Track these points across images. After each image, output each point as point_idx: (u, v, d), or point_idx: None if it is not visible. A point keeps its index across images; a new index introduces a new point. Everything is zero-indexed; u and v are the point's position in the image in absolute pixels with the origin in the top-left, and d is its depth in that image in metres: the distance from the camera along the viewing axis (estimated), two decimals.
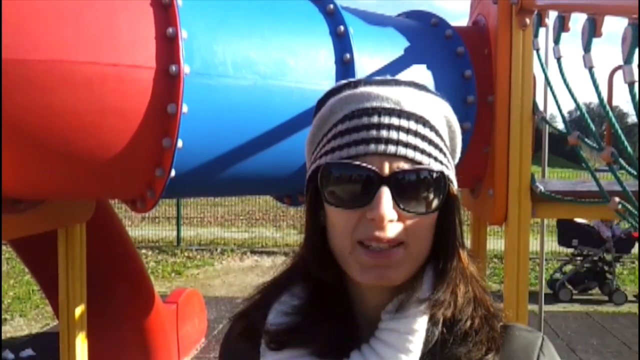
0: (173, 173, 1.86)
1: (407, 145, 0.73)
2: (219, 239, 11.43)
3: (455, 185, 0.80)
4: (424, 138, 0.75)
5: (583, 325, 6.48)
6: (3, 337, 6.13)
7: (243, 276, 8.88)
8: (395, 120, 0.74)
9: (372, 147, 0.73)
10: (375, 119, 0.74)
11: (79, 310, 2.57)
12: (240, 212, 13.86)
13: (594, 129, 1.92)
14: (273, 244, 11.01)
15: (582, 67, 1.72)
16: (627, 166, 1.78)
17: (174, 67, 1.77)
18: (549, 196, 2.32)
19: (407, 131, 0.74)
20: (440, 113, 0.80)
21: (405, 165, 0.73)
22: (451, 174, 0.79)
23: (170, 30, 1.78)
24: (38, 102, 1.68)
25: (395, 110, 0.75)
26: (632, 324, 6.34)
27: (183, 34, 1.80)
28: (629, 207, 1.78)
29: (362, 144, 0.73)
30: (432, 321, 0.77)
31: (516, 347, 0.80)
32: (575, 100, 2.06)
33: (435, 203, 0.75)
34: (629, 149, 1.61)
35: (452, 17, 2.64)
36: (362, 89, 0.78)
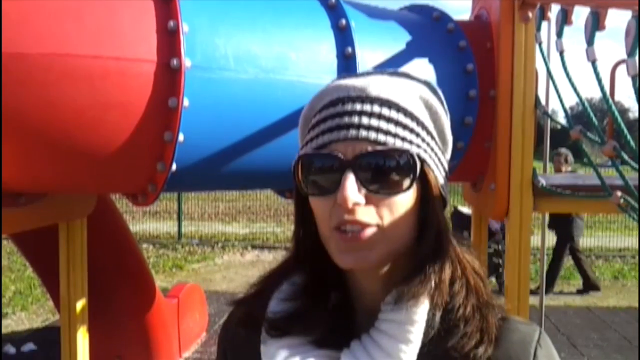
0: (174, 167, 1.86)
1: (369, 128, 0.74)
2: (220, 233, 11.44)
3: (434, 166, 0.79)
4: (389, 120, 0.75)
5: (584, 319, 6.49)
6: (4, 331, 6.15)
7: (244, 271, 8.89)
8: (358, 106, 0.75)
9: (335, 134, 0.75)
10: (339, 108, 0.76)
11: (80, 304, 2.57)
12: (241, 207, 13.87)
13: (596, 122, 1.91)
14: (274, 239, 11.01)
15: (584, 63, 1.71)
16: (629, 160, 1.77)
17: (175, 61, 1.76)
18: (550, 190, 2.32)
19: (370, 115, 0.75)
20: (414, 95, 0.80)
21: (369, 148, 0.74)
22: (428, 155, 0.78)
23: (171, 23, 1.78)
24: (40, 96, 1.68)
25: (359, 97, 0.76)
26: (632, 318, 6.34)
27: (184, 27, 1.80)
28: (631, 201, 1.77)
29: (328, 132, 0.75)
30: (432, 311, 0.77)
31: (514, 340, 0.79)
32: (577, 94, 2.05)
33: (405, 183, 0.75)
34: (632, 142, 1.61)
35: (453, 12, 2.63)
36: (335, 83, 0.80)
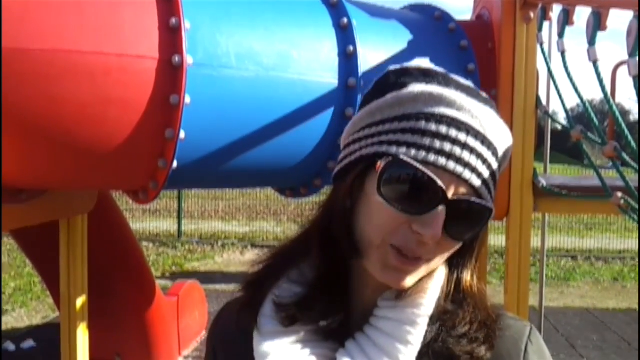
0: (175, 164, 1.86)
1: (474, 170, 0.73)
2: (220, 232, 11.44)
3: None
4: (491, 171, 0.76)
5: (583, 321, 6.49)
6: (4, 328, 6.15)
7: (244, 270, 8.88)
8: (477, 145, 0.74)
9: (442, 160, 0.72)
10: (462, 137, 0.73)
11: (80, 301, 2.57)
12: (241, 205, 13.86)
13: (597, 123, 1.92)
14: (274, 238, 11.01)
15: (585, 65, 1.72)
16: (630, 161, 1.78)
17: (176, 58, 1.77)
18: (551, 191, 2.32)
19: (478, 156, 0.74)
20: (507, 145, 0.81)
21: (466, 191, 0.74)
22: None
23: (173, 20, 1.78)
24: (41, 92, 1.68)
25: (480, 133, 0.75)
26: (632, 320, 6.35)
27: (186, 24, 1.80)
28: (632, 202, 1.77)
29: (441, 155, 0.72)
30: (433, 312, 0.77)
31: (505, 336, 0.79)
32: (578, 94, 2.05)
33: (472, 235, 0.77)
34: (633, 142, 1.61)
35: (455, 12, 2.63)
36: (454, 95, 0.76)
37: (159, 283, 4.81)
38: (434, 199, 0.71)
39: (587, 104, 2.02)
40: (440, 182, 0.71)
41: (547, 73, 2.74)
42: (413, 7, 2.70)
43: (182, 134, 1.82)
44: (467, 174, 0.72)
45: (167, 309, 4.93)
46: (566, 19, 2.05)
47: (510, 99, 2.35)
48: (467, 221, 0.74)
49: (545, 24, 2.40)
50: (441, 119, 0.74)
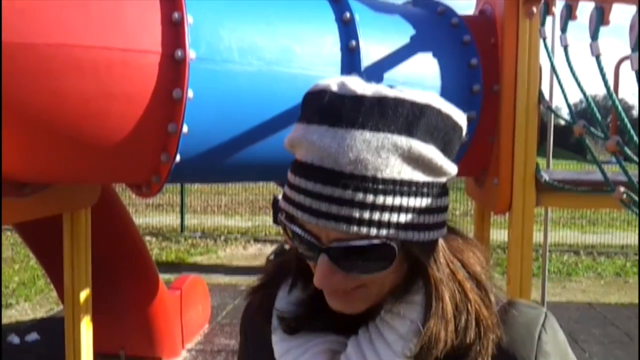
0: (178, 158, 1.87)
1: (340, 219, 0.68)
2: (222, 226, 11.45)
3: (418, 231, 0.72)
4: (362, 206, 0.68)
5: (585, 315, 6.49)
6: (8, 321, 6.19)
7: (246, 264, 8.92)
8: (329, 190, 0.68)
9: (307, 217, 0.70)
10: (310, 184, 0.70)
11: (84, 294, 2.59)
12: (243, 200, 13.87)
13: (600, 118, 1.92)
14: (276, 233, 11.01)
15: (588, 60, 1.72)
16: (632, 155, 1.78)
17: (179, 52, 1.77)
18: (553, 185, 2.32)
19: (342, 203, 0.68)
20: (394, 155, 0.69)
21: (342, 237, 0.70)
22: (410, 225, 0.71)
23: (176, 15, 1.78)
24: (45, 86, 1.69)
25: (332, 175, 0.68)
26: (633, 314, 6.35)
27: (189, 19, 1.80)
28: (634, 196, 1.78)
29: (300, 210, 0.71)
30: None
31: (519, 323, 0.79)
32: (581, 89, 2.05)
33: (382, 265, 0.72)
34: (635, 137, 1.61)
35: (458, 8, 2.63)
36: (311, 136, 0.71)
37: (162, 277, 4.83)
38: (313, 249, 0.72)
39: (590, 99, 2.02)
40: (306, 237, 0.72)
41: (550, 68, 2.74)
42: (416, 2, 2.70)
43: (185, 128, 1.83)
44: (332, 224, 0.69)
45: (170, 303, 4.95)
46: (569, 13, 2.04)
47: (513, 94, 2.35)
48: (355, 258, 0.71)
49: (548, 19, 2.39)
50: (298, 169, 0.72)
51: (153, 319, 4.77)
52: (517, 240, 2.37)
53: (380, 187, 0.69)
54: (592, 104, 1.99)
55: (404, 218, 0.70)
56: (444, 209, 0.75)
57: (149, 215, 12.21)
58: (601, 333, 5.92)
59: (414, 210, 0.71)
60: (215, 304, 6.46)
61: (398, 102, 0.71)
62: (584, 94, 2.06)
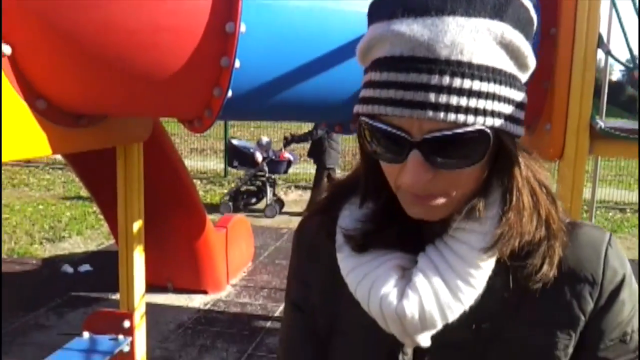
0: (230, 93, 1.89)
1: (436, 107, 0.66)
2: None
3: (509, 122, 0.71)
4: (460, 92, 0.67)
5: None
6: (62, 252, 6.51)
7: (287, 209, 9.07)
8: (424, 78, 0.66)
9: (399, 110, 0.68)
10: (402, 75, 0.67)
11: (137, 225, 2.68)
12: None
13: None
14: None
15: None
16: None
17: None
18: (609, 133, 2.26)
19: (439, 90, 0.66)
20: (490, 42, 0.68)
21: (436, 128, 0.68)
22: (503, 115, 0.70)
23: None
24: (93, 18, 1.71)
25: (427, 61, 0.67)
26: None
27: None
28: None
29: (390, 104, 0.68)
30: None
31: (584, 242, 0.81)
32: None
33: (476, 157, 0.71)
34: None
35: None
36: (393, 28, 0.69)
37: (208, 217, 4.97)
38: (403, 147, 0.71)
39: None
40: (397, 132, 0.70)
41: (610, 8, 2.61)
42: None
43: (237, 63, 1.84)
44: (430, 113, 0.67)
45: (216, 240, 5.10)
46: None
47: (572, 37, 2.26)
48: (448, 150, 0.70)
49: None
50: (383, 65, 0.70)
51: (200, 254, 4.94)
52: (566, 189, 2.32)
53: (476, 72, 0.67)
54: None
55: (498, 107, 0.69)
56: (525, 109, 0.76)
57: (194, 159, 12.46)
58: None
59: (507, 100, 0.70)
60: (258, 244, 6.63)
61: None
62: None
